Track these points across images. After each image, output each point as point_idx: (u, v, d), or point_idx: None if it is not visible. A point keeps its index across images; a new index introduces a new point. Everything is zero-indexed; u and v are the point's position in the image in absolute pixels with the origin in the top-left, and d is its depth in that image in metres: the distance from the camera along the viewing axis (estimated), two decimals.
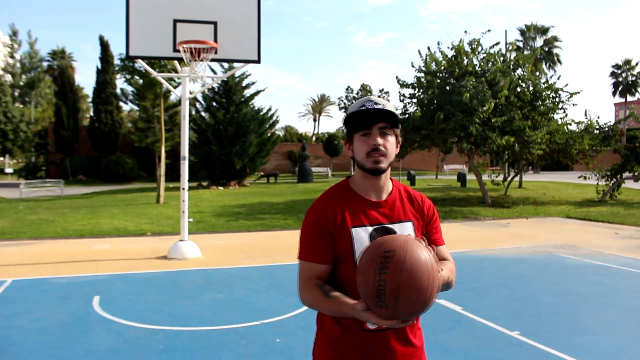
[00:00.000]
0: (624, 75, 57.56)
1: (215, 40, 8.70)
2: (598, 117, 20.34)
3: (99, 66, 37.25)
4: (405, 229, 1.93)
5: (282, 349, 4.78)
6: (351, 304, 1.72)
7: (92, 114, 38.79)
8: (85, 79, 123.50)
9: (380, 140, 1.87)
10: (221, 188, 28.11)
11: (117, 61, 20.45)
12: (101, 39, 37.40)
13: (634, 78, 57.27)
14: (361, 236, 1.86)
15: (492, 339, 5.02)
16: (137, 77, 20.24)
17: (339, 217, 1.88)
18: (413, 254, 1.61)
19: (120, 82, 45.34)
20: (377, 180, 1.93)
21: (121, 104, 37.61)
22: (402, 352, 1.90)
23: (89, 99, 47.85)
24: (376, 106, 1.86)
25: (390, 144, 1.90)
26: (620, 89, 57.91)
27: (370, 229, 1.88)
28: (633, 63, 57.08)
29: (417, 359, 1.96)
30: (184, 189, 9.43)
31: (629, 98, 58.91)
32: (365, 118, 1.87)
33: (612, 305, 6.20)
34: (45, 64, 54.74)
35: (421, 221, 2.01)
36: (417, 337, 1.98)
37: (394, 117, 1.88)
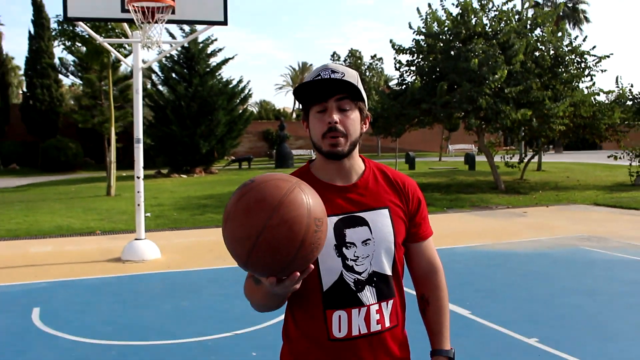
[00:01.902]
0: None
1: None
2: (631, 86, 20.60)
3: (32, 31, 36.76)
4: (379, 218, 1.89)
5: None
6: None
7: (25, 89, 38.32)
8: (15, 47, 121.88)
9: (337, 117, 1.81)
10: (184, 176, 28.04)
11: (53, 25, 20.14)
12: None
13: None
14: None
15: (505, 347, 5.12)
16: (79, 44, 20.01)
17: None
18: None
19: (59, 51, 44.83)
20: (341, 164, 1.89)
21: (61, 76, 37.22)
22: None
23: (21, 72, 47.26)
24: (333, 75, 1.80)
25: (352, 121, 1.84)
26: None
27: (335, 219, 1.84)
28: None
29: None
30: (139, 177, 9.40)
31: None
32: (320, 90, 1.81)
33: None
34: None
35: (404, 208, 1.96)
36: (401, 347, 1.96)
37: (356, 88, 1.83)
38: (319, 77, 1.81)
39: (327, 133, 1.82)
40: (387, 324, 1.89)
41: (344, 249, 1.84)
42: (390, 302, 1.91)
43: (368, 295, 1.86)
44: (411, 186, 2.02)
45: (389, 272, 1.90)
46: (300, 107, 1.93)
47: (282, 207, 1.51)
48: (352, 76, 1.85)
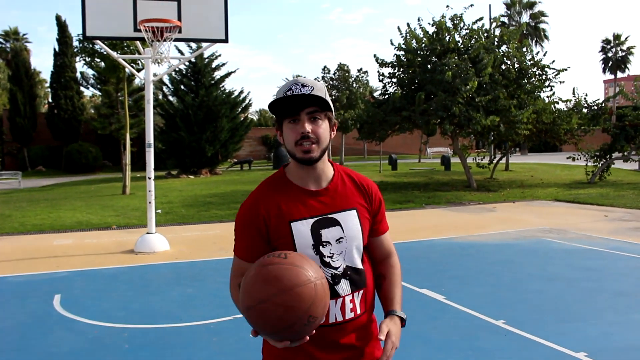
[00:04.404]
0: (613, 50, 58.30)
1: (179, 19, 8.59)
2: (586, 95, 20.65)
3: (57, 48, 36.50)
4: (349, 218, 1.90)
5: (256, 345, 4.73)
6: None
7: (50, 100, 38.09)
8: (42, 62, 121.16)
9: (309, 127, 1.80)
10: (192, 177, 27.93)
11: (75, 43, 20.04)
12: (58, 18, 36.61)
13: (623, 53, 58.05)
14: (301, 230, 1.83)
15: (476, 329, 5.09)
16: (98, 60, 19.91)
17: (274, 212, 1.84)
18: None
19: (80, 66, 44.65)
20: (313, 169, 1.88)
21: (82, 88, 37.02)
22: (350, 345, 1.91)
23: (47, 84, 47.02)
24: (303, 89, 1.79)
25: (322, 130, 1.84)
26: (609, 65, 58.66)
27: (311, 221, 1.84)
28: (622, 38, 57.86)
29: (370, 349, 1.97)
30: (150, 178, 9.34)
31: (619, 75, 59.73)
32: (292, 103, 1.81)
33: (600, 290, 6.32)
34: None
35: (368, 208, 1.98)
36: (370, 329, 1.98)
37: (324, 101, 1.82)
38: (291, 91, 1.80)
39: (299, 141, 1.81)
40: (359, 311, 1.91)
41: (320, 247, 1.84)
42: (361, 291, 1.93)
43: (343, 287, 1.87)
44: (374, 188, 2.04)
45: (360, 265, 1.93)
46: (274, 118, 1.92)
47: (289, 293, 1.59)
48: (320, 89, 1.84)
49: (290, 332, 1.60)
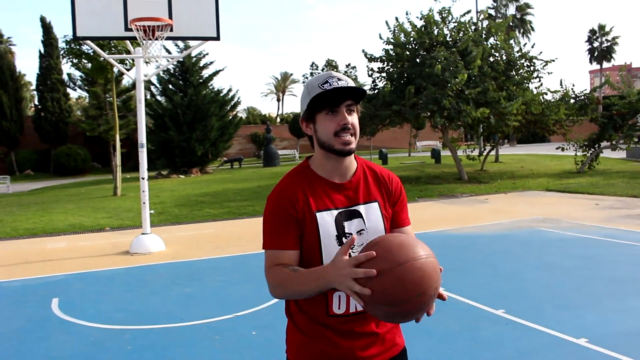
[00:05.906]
0: (599, 41, 58.73)
1: (170, 17, 8.55)
2: (573, 86, 20.76)
3: (42, 50, 36.23)
4: (371, 210, 1.93)
5: (259, 342, 4.79)
6: (325, 266, 1.70)
7: (36, 102, 37.79)
8: (27, 64, 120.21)
9: (349, 119, 1.85)
10: (182, 176, 27.84)
11: (61, 44, 19.90)
12: (43, 20, 36.35)
13: (608, 44, 58.49)
14: (326, 221, 1.85)
15: (477, 319, 5.12)
16: (85, 61, 19.76)
17: (302, 201, 1.86)
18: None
19: (67, 67, 44.31)
20: (342, 161, 1.91)
21: (69, 90, 36.74)
22: (371, 332, 1.93)
23: (32, 87, 46.62)
24: (340, 82, 1.84)
25: (357, 122, 1.90)
26: (595, 55, 59.09)
27: (335, 212, 1.87)
28: (607, 28, 58.29)
29: (391, 336, 2.00)
30: (143, 178, 9.30)
31: (604, 64, 60.17)
32: (331, 95, 1.84)
33: (596, 278, 6.39)
34: None
35: (388, 201, 2.00)
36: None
37: (361, 93, 1.87)
38: (328, 84, 1.84)
39: (340, 132, 1.84)
40: None
41: (343, 238, 1.87)
42: None
43: None
44: (394, 179, 2.07)
45: None
46: (303, 109, 1.93)
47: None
48: (352, 83, 1.89)
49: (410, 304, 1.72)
